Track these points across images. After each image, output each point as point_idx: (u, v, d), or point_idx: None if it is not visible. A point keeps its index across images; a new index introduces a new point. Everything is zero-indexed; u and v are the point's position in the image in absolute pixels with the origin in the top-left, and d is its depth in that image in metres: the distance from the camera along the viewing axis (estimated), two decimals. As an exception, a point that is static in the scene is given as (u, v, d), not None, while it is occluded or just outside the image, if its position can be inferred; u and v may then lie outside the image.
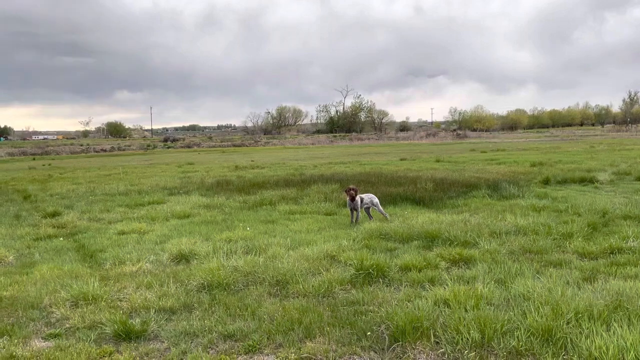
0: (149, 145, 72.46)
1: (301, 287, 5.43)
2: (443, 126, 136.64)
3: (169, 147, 69.51)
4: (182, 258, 7.00)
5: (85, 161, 41.15)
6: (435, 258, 6.35)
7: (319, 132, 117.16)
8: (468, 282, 5.40)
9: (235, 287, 5.63)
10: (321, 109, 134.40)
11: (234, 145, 69.06)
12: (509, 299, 4.87)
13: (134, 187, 16.17)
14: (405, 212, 10.10)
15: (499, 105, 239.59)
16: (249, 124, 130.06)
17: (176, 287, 5.68)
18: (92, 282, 5.72)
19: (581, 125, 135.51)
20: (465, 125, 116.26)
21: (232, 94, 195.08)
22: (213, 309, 5.01)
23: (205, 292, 5.47)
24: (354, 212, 9.27)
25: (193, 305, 5.16)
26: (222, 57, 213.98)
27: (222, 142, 77.64)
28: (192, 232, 8.80)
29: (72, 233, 9.30)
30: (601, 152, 28.90)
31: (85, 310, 5.09)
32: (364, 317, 4.62)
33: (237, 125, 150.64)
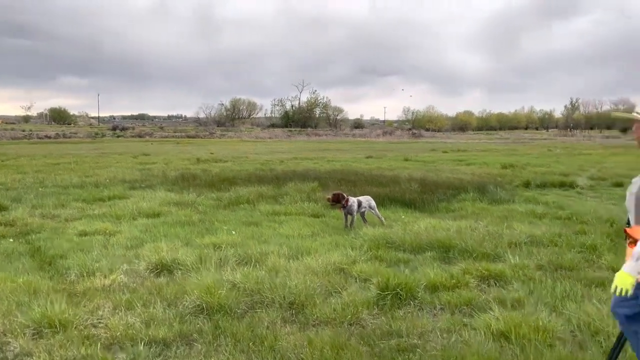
0: (97, 134, 68.92)
1: (321, 311, 4.52)
2: (396, 125, 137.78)
3: (118, 136, 66.42)
4: (164, 268, 5.92)
5: (28, 148, 38.30)
6: (461, 274, 5.56)
7: (273, 126, 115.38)
8: (514, 307, 4.65)
9: (239, 310, 4.65)
10: (276, 103, 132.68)
11: (188, 137, 66.69)
12: (573, 331, 4.14)
13: (89, 179, 14.69)
14: (401, 216, 9.32)
15: (449, 107, 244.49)
16: (202, 115, 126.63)
17: (165, 309, 4.65)
18: (58, 301, 4.60)
19: (526, 128, 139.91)
20: (418, 125, 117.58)
21: (184, 84, 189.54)
22: (219, 341, 4.03)
23: (204, 317, 4.46)
24: (349, 216, 8.40)
25: (192, 335, 4.15)
26: (175, 46, 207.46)
27: (175, 132, 74.96)
28: (168, 234, 7.69)
29: (24, 232, 7.97)
30: (561, 156, 29.28)
31: (52, 341, 3.99)
32: (411, 356, 3.77)
33: (188, 116, 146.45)
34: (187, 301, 4.73)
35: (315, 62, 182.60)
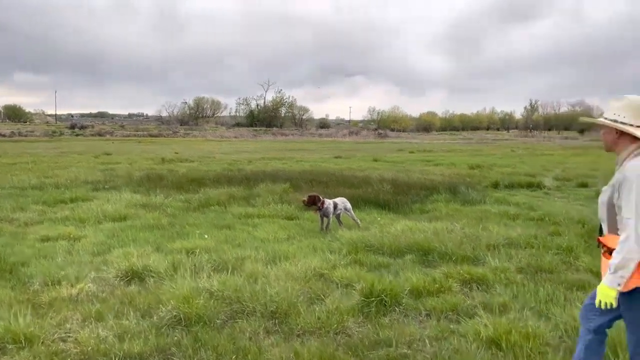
0: (54, 132, 66.69)
1: (305, 320, 4.33)
2: (361, 125, 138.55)
3: (77, 135, 64.52)
4: (134, 276, 5.61)
5: (-19, 147, 36.68)
6: (444, 278, 5.47)
7: (238, 125, 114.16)
8: (501, 312, 4.58)
9: (219, 320, 4.42)
10: (241, 102, 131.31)
11: (151, 136, 65.38)
12: (562, 336, 4.09)
13: (49, 180, 14.05)
14: (377, 218, 9.23)
15: (413, 107, 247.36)
16: (164, 114, 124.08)
17: (139, 321, 4.38)
18: (22, 313, 4.28)
19: (487, 129, 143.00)
20: (383, 125, 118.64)
21: (146, 82, 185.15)
22: (199, 355, 3.80)
23: (182, 329, 4.22)
24: (325, 218, 8.24)
25: (170, 349, 3.90)
26: (136, 42, 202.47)
27: (136, 131, 73.25)
28: (137, 239, 7.35)
29: (-21, 238, 7.49)
30: (524, 157, 29.93)
31: (17, 358, 3.69)
32: (403, 366, 3.64)
33: (150, 114, 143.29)
34: (162, 311, 4.47)
35: (281, 61, 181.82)
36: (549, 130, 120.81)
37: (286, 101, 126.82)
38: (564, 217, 8.96)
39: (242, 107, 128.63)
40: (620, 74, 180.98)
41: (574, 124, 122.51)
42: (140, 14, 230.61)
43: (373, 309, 4.61)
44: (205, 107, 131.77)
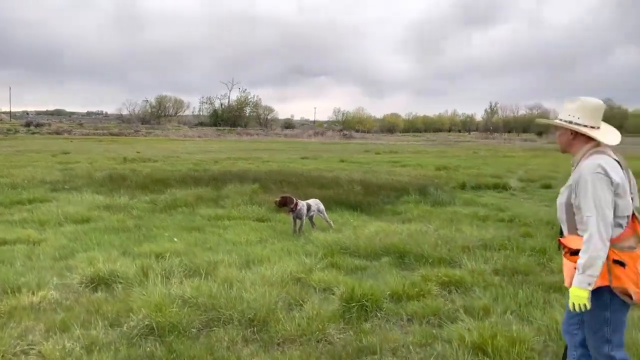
0: (9, 130, 64.07)
1: (285, 328, 4.16)
2: (326, 125, 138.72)
3: (33, 133, 62.14)
4: (101, 282, 5.32)
5: None
6: (423, 282, 5.40)
7: (201, 124, 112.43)
8: (483, 316, 4.52)
9: (194, 329, 4.20)
10: (205, 101, 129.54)
11: (111, 134, 63.59)
12: (545, 340, 4.06)
13: (4, 180, 13.38)
14: (350, 219, 9.13)
15: (376, 108, 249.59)
16: (125, 112, 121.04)
17: (108, 331, 4.13)
18: (-22, 325, 3.97)
19: (449, 131, 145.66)
20: (348, 126, 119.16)
21: (105, 79, 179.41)
22: (175, 367, 3.58)
23: (155, 339, 3.98)
24: (298, 220, 8.08)
25: (143, 361, 3.67)
26: (95, 38, 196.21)
27: (96, 130, 71.16)
28: (101, 243, 7.02)
29: None
30: (488, 158, 30.43)
31: (-27, 376, 3.39)
32: (389, 374, 3.52)
33: (110, 112, 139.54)
34: (133, 320, 4.22)
35: (245, 60, 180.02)
36: (509, 132, 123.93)
37: (251, 101, 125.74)
38: (534, 219, 9.06)
39: (206, 106, 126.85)
40: (575, 78, 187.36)
41: (532, 126, 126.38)
42: (99, 9, 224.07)
43: (354, 315, 4.48)
44: (167, 105, 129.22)
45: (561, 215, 2.98)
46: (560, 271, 5.84)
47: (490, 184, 15.27)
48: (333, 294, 5.03)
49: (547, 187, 15.41)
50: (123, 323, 4.27)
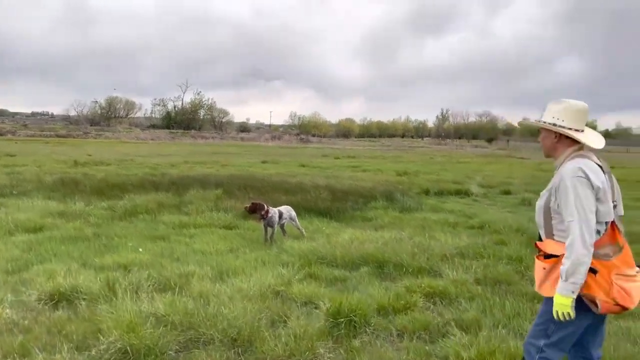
0: (-54, 130, 60.53)
1: (271, 347, 3.87)
2: (281, 129, 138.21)
3: (-27, 134, 58.91)
4: (62, 298, 4.87)
5: None
6: (407, 293, 5.22)
7: (154, 127, 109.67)
8: (474, 330, 4.36)
9: (172, 352, 3.85)
10: (157, 103, 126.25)
11: (59, 136, 61.06)
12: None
13: (-56, 184, 12.42)
14: (321, 227, 8.89)
15: (331, 113, 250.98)
16: (73, 114, 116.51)
17: (74, 355, 3.72)
18: None
19: (402, 136, 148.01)
20: (304, 130, 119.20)
21: (51, 79, 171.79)
22: (155, 397, 3.23)
23: (130, 365, 3.61)
24: (269, 228, 7.76)
25: (118, 391, 3.30)
26: (41, 37, 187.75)
27: (42, 131, 68.14)
28: (58, 254, 6.50)
29: None
30: (444, 164, 30.94)
31: None
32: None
33: (56, 113, 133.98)
34: (103, 343, 3.82)
35: (199, 63, 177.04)
36: (459, 138, 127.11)
37: (205, 103, 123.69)
38: (503, 226, 9.09)
39: (159, 108, 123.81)
40: (522, 87, 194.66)
41: (481, 132, 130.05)
42: (46, 6, 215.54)
43: (343, 331, 4.24)
44: (118, 107, 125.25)
45: (539, 219, 2.90)
46: (540, 280, 5.82)
47: (452, 190, 15.40)
48: (316, 308, 4.79)
49: (507, 193, 15.70)
50: (92, 346, 3.87)
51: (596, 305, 2.64)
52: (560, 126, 2.81)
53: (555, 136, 2.85)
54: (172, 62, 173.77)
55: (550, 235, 2.82)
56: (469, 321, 4.53)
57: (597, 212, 2.67)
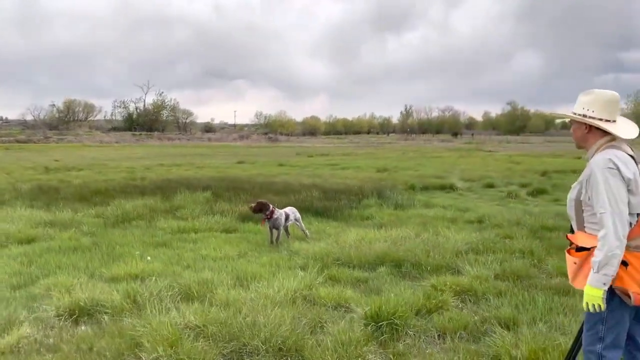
0: None
1: (321, 356, 3.75)
2: (246, 129, 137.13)
3: None
4: (82, 313, 4.64)
5: None
6: (435, 292, 5.18)
7: (115, 129, 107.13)
8: (510, 329, 4.35)
9: (218, 364, 3.69)
10: (118, 105, 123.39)
11: (18, 142, 58.90)
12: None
13: None
14: (323, 227, 8.79)
15: (296, 112, 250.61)
16: (29, 118, 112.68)
17: (116, 375, 3.52)
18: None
19: (368, 133, 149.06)
20: (271, 129, 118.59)
21: (5, 83, 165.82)
22: (217, 414, 3.08)
23: (179, 382, 3.44)
24: (274, 230, 7.62)
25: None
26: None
27: (0, 137, 65.59)
28: (62, 266, 6.19)
29: None
30: (418, 159, 31.20)
31: None
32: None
33: (11, 118, 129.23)
34: (144, 359, 3.63)
35: (159, 63, 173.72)
36: (424, 133, 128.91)
37: (168, 104, 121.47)
38: (501, 219, 9.18)
39: (120, 110, 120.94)
40: (482, 82, 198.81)
41: (445, 127, 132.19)
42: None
43: (386, 335, 4.16)
44: (77, 110, 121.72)
45: (570, 211, 2.90)
46: (558, 274, 5.89)
47: (436, 184, 15.54)
48: (348, 312, 4.70)
49: (490, 186, 15.92)
50: (131, 365, 3.68)
51: (629, 297, 2.63)
52: (590, 117, 2.79)
53: (586, 127, 2.82)
54: (131, 63, 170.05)
55: (581, 227, 2.82)
56: (505, 318, 4.51)
57: (628, 203, 2.65)
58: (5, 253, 6.86)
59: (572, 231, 2.94)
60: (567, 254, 2.87)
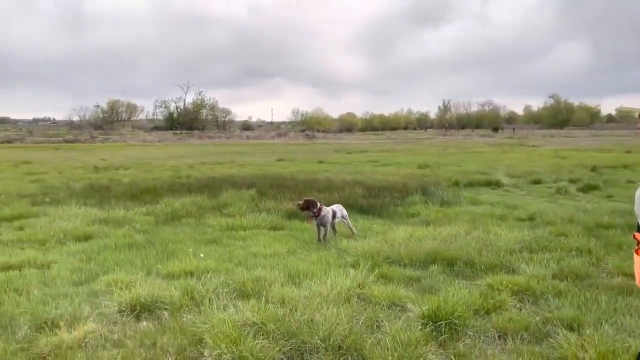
0: (-46, 139, 60.51)
1: (381, 355, 3.73)
2: (283, 126, 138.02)
3: (-19, 142, 58.85)
4: (143, 309, 4.76)
5: None
6: (491, 292, 5.08)
7: (157, 128, 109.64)
8: (574, 330, 4.22)
9: (280, 362, 3.72)
10: (160, 104, 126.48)
11: (66, 142, 60.96)
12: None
13: (-25, 195, 12.31)
14: (368, 224, 8.75)
15: (332, 108, 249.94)
16: (75, 118, 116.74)
17: (182, 371, 3.60)
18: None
19: (405, 129, 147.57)
20: (308, 126, 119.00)
21: (51, 84, 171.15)
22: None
23: (244, 378, 3.48)
24: (321, 228, 7.64)
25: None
26: (39, 42, 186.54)
27: (50, 137, 68.09)
28: (119, 262, 6.37)
29: None
30: (459, 155, 30.68)
31: None
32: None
33: (58, 119, 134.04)
34: (208, 356, 3.70)
35: (197, 63, 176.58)
36: (463, 128, 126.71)
37: (207, 103, 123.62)
38: (553, 216, 8.93)
39: (161, 109, 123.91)
40: (522, 75, 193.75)
41: (485, 122, 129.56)
42: (43, 12, 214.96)
43: (446, 335, 4.10)
44: (120, 110, 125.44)
45: (638, 209, 2.78)
46: (619, 273, 5.68)
47: (481, 181, 15.24)
48: (403, 311, 4.67)
49: (537, 182, 15.53)
50: (194, 359, 3.75)
51: None
52: None
53: None
54: (170, 63, 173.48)
55: None
56: (568, 319, 4.38)
57: None
58: (64, 250, 7.11)
59: (639, 229, 2.81)
60: (635, 255, 2.76)
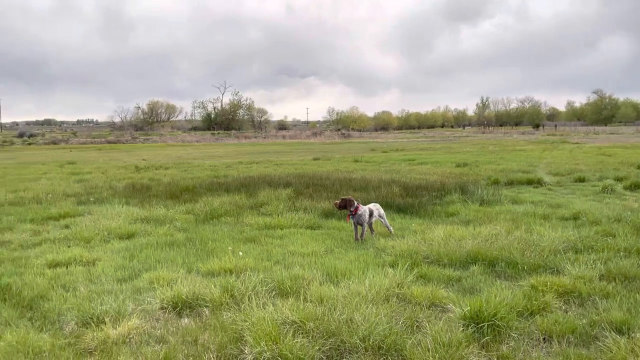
0: (4, 141, 63.15)
1: (420, 355, 3.68)
2: (318, 125, 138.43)
3: (30, 144, 61.22)
4: (184, 306, 4.84)
5: None
6: (535, 293, 4.94)
7: (195, 129, 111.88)
8: (624, 333, 4.06)
9: (320, 361, 3.72)
10: (197, 105, 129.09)
11: (109, 142, 62.77)
12: None
13: (24, 194, 12.80)
14: (406, 224, 8.65)
15: (367, 107, 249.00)
16: (117, 119, 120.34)
17: (223, 368, 3.64)
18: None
19: (442, 126, 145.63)
20: (343, 125, 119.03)
21: (93, 87, 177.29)
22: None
23: (284, 377, 3.50)
24: (359, 226, 7.60)
25: (283, 405, 3.19)
26: (81, 46, 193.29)
27: (93, 138, 70.27)
28: (161, 260, 6.50)
29: (-27, 267, 6.46)
30: (500, 153, 30.02)
31: None
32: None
33: (100, 120, 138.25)
34: (249, 354, 3.73)
35: (233, 64, 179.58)
36: (502, 126, 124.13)
37: (244, 103, 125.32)
38: (599, 215, 8.62)
39: (199, 110, 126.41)
40: (564, 70, 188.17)
41: (524, 119, 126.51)
42: (83, 15, 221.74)
43: (489, 337, 4.01)
44: (159, 111, 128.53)
45: None
46: (672, 274, 5.42)
47: (522, 179, 14.87)
48: (443, 311, 4.59)
49: (581, 180, 15.04)
50: (235, 356, 3.79)
51: None
52: None
53: None
54: (206, 64, 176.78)
55: None
56: (618, 322, 4.22)
57: None
58: (109, 248, 7.30)
59: None
60: None
